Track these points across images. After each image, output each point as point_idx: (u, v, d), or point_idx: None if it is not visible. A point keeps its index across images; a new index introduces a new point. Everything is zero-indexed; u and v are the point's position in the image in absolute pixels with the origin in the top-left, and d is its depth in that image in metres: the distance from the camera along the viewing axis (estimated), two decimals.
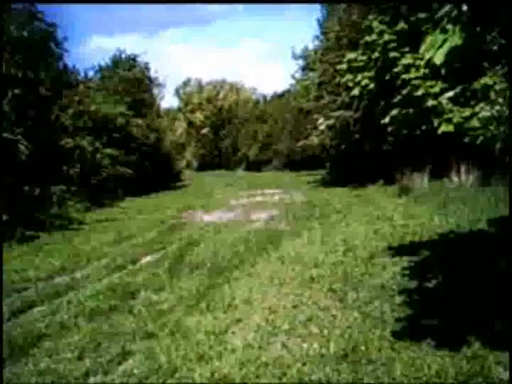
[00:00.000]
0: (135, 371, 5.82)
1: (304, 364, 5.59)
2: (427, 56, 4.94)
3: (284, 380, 5.29)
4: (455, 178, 18.61)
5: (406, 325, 6.44)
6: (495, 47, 6.23)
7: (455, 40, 4.74)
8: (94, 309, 8.33)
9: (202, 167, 78.46)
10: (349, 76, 24.25)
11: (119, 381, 5.64)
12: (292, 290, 8.50)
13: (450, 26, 4.85)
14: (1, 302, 8.51)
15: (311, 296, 8.05)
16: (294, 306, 7.63)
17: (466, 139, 16.35)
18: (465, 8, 5.27)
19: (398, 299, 7.45)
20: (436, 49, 4.83)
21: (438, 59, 4.78)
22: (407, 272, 8.73)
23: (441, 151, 19.83)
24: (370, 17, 23.42)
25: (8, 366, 6.22)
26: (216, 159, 79.17)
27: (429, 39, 4.99)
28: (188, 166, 78.27)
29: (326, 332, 6.47)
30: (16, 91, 19.71)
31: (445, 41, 4.80)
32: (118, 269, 11.48)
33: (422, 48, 5.12)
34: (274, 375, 5.39)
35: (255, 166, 65.23)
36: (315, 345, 6.08)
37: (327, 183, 32.29)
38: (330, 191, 27.01)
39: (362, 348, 5.81)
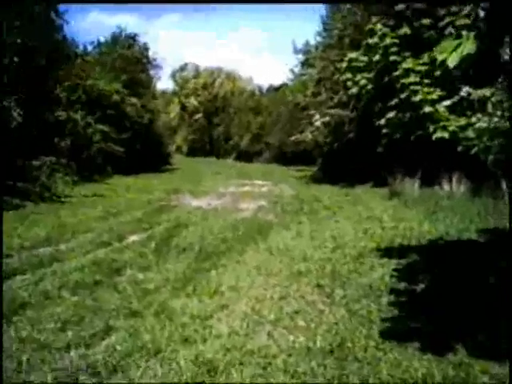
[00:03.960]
0: (118, 347, 5.75)
1: (289, 355, 5.55)
2: (440, 59, 4.91)
3: (269, 369, 5.24)
4: (446, 187, 18.63)
5: (393, 326, 6.41)
6: (506, 57, 6.20)
7: (469, 46, 4.73)
8: (79, 282, 8.27)
9: (191, 153, 77.99)
10: (348, 75, 24.11)
11: (101, 356, 5.55)
12: (279, 281, 8.46)
13: (464, 32, 4.86)
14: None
15: (298, 289, 8.02)
16: (281, 298, 7.59)
17: (460, 148, 16.35)
18: (481, 14, 5.24)
19: (385, 300, 7.42)
20: (449, 53, 4.81)
21: (452, 63, 4.76)
22: (395, 274, 8.71)
23: (434, 158, 19.83)
24: (374, 19, 23.26)
25: None
26: (207, 146, 78.85)
27: (442, 43, 4.98)
28: (177, 149, 77.79)
29: (312, 326, 6.44)
30: (15, 59, 19.46)
31: (458, 45, 4.79)
32: (104, 245, 11.40)
33: (435, 51, 5.11)
34: (259, 364, 5.34)
35: (245, 156, 65.02)
36: (301, 338, 6.05)
37: (317, 180, 32.24)
38: (319, 188, 26.99)
39: (349, 345, 5.77)
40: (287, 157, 54.56)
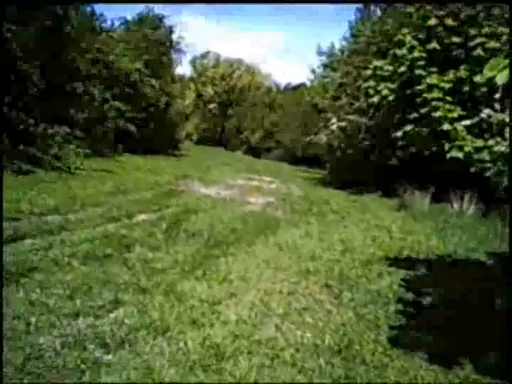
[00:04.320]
0: (126, 321, 5.74)
1: (297, 350, 5.54)
2: (487, 75, 4.94)
3: (276, 362, 5.22)
4: (456, 205, 18.54)
5: (400, 334, 6.39)
6: None
7: None
8: (89, 252, 8.26)
9: (201, 141, 77.82)
10: (371, 82, 24.00)
11: (109, 327, 5.54)
12: (288, 277, 8.43)
13: None
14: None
15: (307, 287, 7.99)
16: (289, 293, 7.57)
17: (473, 169, 16.32)
18: None
19: (393, 308, 7.39)
20: (498, 70, 4.85)
21: (501, 80, 4.79)
22: (403, 284, 8.68)
23: (447, 176, 19.78)
24: (405, 30, 23.11)
25: None
26: (217, 136, 78.74)
27: (491, 61, 5.03)
28: (187, 136, 77.56)
29: (320, 324, 6.42)
30: (46, 22, 19.46)
31: (509, 64, 4.83)
32: (114, 220, 11.41)
33: (485, 68, 5.16)
34: (267, 355, 5.33)
35: (255, 151, 65.02)
36: (309, 334, 6.04)
37: (325, 183, 32.16)
38: (328, 191, 26.89)
39: (356, 347, 5.76)
40: (296, 157, 54.52)
